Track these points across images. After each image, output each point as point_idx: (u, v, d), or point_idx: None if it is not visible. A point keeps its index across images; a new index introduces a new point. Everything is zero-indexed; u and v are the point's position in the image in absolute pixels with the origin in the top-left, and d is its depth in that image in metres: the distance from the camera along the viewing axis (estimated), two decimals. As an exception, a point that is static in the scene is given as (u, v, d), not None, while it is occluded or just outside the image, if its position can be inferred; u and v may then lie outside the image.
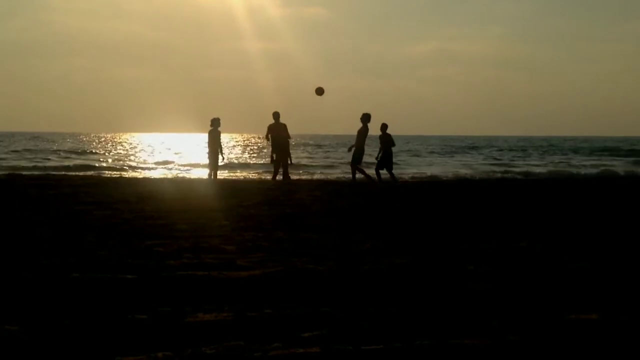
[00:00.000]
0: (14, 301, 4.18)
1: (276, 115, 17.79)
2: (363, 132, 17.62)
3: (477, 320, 3.86)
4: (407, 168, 35.03)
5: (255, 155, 53.42)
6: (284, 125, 17.79)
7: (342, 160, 39.53)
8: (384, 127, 18.18)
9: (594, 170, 32.92)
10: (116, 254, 5.85)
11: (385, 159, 18.13)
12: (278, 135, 17.73)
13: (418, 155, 54.02)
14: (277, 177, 18.35)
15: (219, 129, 17.66)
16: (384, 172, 18.20)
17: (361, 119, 17.65)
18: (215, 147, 17.68)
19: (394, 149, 18.53)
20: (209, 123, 17.69)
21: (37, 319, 3.80)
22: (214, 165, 17.94)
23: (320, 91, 17.65)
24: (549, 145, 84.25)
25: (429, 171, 31.87)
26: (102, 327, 3.65)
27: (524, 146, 79.81)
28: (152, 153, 53.70)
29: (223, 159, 18.11)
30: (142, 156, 48.97)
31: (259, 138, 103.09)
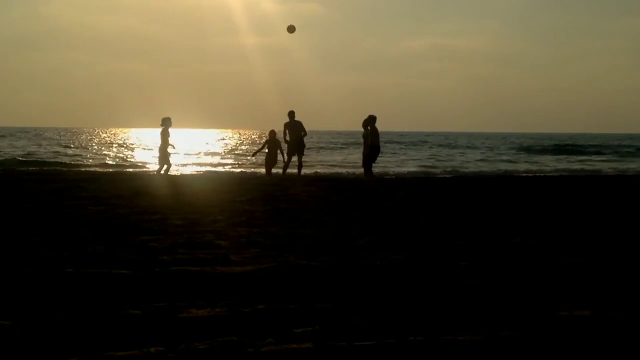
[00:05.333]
0: (6, 296, 4.17)
1: (291, 114, 18.57)
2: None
3: (471, 317, 3.87)
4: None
5: (251, 151, 53.39)
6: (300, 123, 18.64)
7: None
8: (372, 119, 18.25)
9: None
10: (110, 249, 5.84)
11: (373, 154, 18.27)
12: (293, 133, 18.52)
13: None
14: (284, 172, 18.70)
15: (169, 128, 18.25)
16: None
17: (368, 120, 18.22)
18: (165, 145, 18.21)
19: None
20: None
21: (30, 313, 3.79)
22: (163, 162, 18.39)
23: (291, 29, 18.15)
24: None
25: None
26: (95, 322, 3.64)
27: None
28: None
29: (174, 147, 18.72)
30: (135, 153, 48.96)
31: (258, 135, 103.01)
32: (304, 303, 4.11)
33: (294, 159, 18.65)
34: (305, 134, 18.65)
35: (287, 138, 18.56)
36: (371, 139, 17.97)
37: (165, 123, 18.15)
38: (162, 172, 18.53)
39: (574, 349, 3.31)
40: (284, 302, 4.15)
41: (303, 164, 19.43)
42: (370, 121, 18.05)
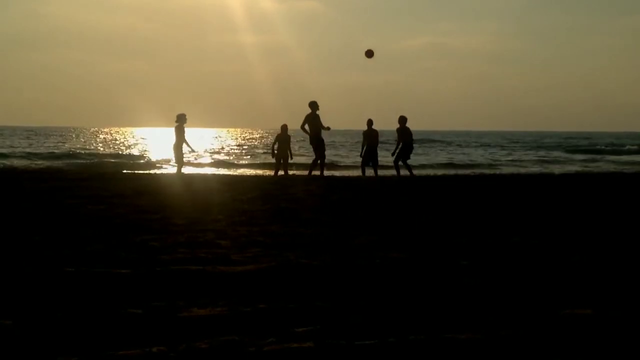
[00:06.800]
0: (7, 295, 4.17)
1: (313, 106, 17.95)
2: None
3: (472, 316, 3.87)
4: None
5: (251, 150, 53.39)
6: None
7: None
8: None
9: None
10: (110, 248, 5.84)
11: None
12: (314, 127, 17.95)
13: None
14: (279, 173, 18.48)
15: (184, 125, 17.93)
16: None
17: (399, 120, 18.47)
18: (180, 142, 17.86)
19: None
20: (175, 118, 18.04)
21: (31, 313, 3.79)
22: (179, 160, 18.20)
23: (370, 53, 17.92)
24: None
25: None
26: (95, 321, 3.64)
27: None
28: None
29: (192, 149, 18.42)
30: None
31: (257, 133, 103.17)
32: (304, 302, 4.12)
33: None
34: (325, 128, 17.93)
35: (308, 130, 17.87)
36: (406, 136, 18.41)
37: (180, 119, 17.77)
38: (179, 171, 18.21)
39: (575, 348, 3.31)
40: (284, 301, 4.15)
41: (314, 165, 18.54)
42: (402, 121, 18.46)
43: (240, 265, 5.15)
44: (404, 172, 18.60)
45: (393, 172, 19.01)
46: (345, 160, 38.21)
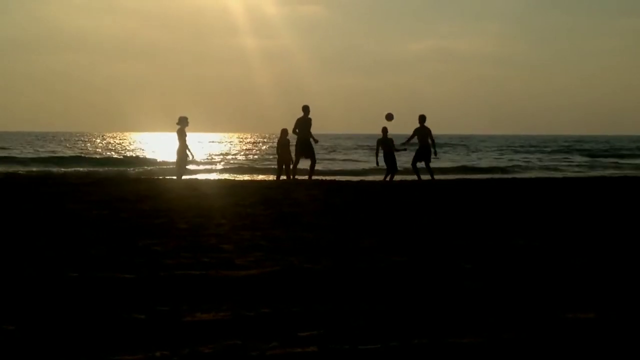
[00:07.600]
0: (10, 300, 4.18)
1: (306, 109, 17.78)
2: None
3: (474, 319, 3.87)
4: None
5: (254, 155, 53.44)
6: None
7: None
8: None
9: None
10: (114, 253, 5.85)
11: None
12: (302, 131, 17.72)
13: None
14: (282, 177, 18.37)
15: (186, 128, 17.56)
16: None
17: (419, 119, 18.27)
18: (182, 145, 17.64)
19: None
20: (177, 121, 17.59)
21: (34, 318, 3.80)
22: (181, 164, 17.94)
23: (390, 117, 17.99)
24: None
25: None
26: (99, 326, 3.65)
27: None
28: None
29: (193, 157, 18.14)
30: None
31: (262, 137, 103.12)
32: (308, 306, 4.12)
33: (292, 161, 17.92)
34: (314, 138, 17.69)
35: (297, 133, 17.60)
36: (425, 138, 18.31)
37: (182, 122, 17.34)
38: (180, 177, 17.86)
39: (578, 352, 3.31)
40: (287, 305, 4.16)
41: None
42: (421, 121, 18.35)
43: (243, 269, 5.16)
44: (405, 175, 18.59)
45: (406, 177, 18.95)
46: (346, 163, 38.24)
